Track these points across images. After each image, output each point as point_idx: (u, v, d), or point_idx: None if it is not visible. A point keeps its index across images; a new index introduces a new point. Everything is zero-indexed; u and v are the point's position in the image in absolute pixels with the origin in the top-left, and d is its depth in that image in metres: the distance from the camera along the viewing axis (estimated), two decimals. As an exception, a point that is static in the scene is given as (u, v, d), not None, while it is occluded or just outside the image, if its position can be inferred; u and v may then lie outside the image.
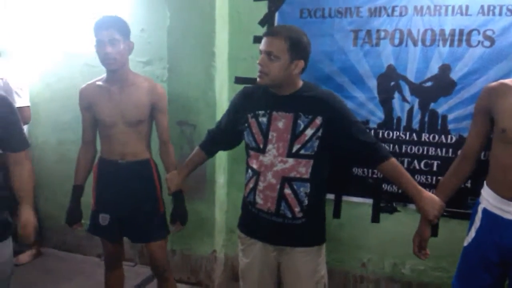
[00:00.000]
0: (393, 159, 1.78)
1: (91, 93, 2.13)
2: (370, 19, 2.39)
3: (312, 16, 2.52)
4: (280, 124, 1.73)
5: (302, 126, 1.71)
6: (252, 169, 1.81)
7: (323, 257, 1.88)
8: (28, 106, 3.03)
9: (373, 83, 2.45)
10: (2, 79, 2.91)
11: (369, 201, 2.56)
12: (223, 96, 2.75)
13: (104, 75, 2.13)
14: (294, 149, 1.72)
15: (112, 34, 1.98)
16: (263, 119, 1.77)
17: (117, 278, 2.34)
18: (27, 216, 1.85)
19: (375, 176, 2.51)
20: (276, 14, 2.60)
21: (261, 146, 1.76)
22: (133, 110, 2.09)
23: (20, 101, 2.92)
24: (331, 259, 2.66)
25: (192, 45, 2.66)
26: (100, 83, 2.13)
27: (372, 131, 2.48)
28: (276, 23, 2.59)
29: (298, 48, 1.69)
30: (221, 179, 2.83)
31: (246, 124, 1.82)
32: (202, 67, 2.67)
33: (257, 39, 2.62)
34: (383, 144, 2.38)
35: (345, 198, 2.62)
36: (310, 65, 2.53)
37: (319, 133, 1.71)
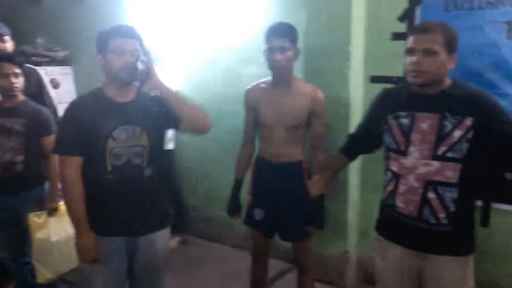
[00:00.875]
0: None
1: (256, 95, 2.28)
2: (528, 9, 2.16)
3: (459, 9, 2.38)
4: (424, 126, 1.67)
5: (450, 127, 1.62)
6: (392, 172, 1.77)
7: (470, 268, 1.76)
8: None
9: (531, 79, 2.21)
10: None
11: (524, 209, 2.32)
12: (357, 96, 2.73)
13: (269, 77, 2.26)
14: (440, 152, 1.64)
15: (283, 42, 2.10)
16: (405, 120, 1.71)
17: (262, 271, 2.49)
18: None
19: (531, 182, 2.25)
20: (417, 8, 2.49)
21: (402, 148, 1.72)
22: (293, 114, 2.19)
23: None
24: (477, 270, 2.45)
25: (326, 45, 2.69)
26: (264, 85, 2.28)
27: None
28: (417, 18, 2.48)
29: (454, 42, 1.64)
30: (354, 179, 2.82)
31: (386, 126, 1.79)
32: (336, 67, 2.69)
33: (397, 36, 2.56)
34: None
35: (495, 205, 2.41)
36: (457, 61, 2.40)
37: (469, 135, 1.60)
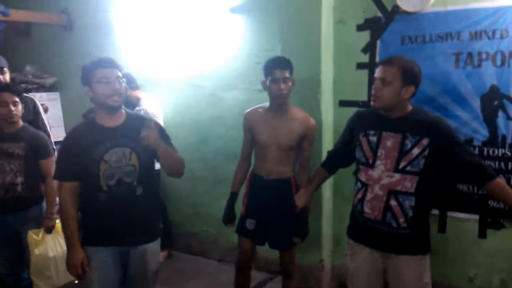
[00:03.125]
0: (499, 179, 1.90)
1: (254, 118, 2.53)
2: (471, 42, 2.49)
3: (413, 42, 2.69)
4: (389, 143, 1.95)
5: (410, 145, 1.91)
6: (361, 182, 2.05)
7: (427, 266, 2.03)
8: (163, 130, 3.59)
9: (476, 103, 2.53)
10: (142, 109, 3.52)
11: (475, 217, 2.61)
12: (329, 118, 3.02)
13: (266, 103, 2.51)
14: (401, 166, 1.92)
15: (285, 73, 2.37)
16: (373, 138, 2.00)
17: (245, 280, 2.70)
18: None
19: (480, 192, 2.56)
20: (378, 42, 2.81)
21: (370, 161, 2.00)
22: (286, 137, 2.44)
23: (157, 126, 3.49)
24: (436, 273, 2.72)
25: (300, 73, 2.95)
26: (262, 110, 2.53)
27: (477, 149, 2.55)
28: (378, 50, 2.80)
29: (409, 76, 1.90)
30: (328, 192, 3.08)
31: (357, 142, 2.07)
32: (309, 93, 2.96)
33: (361, 66, 2.87)
34: (488, 162, 2.47)
35: (450, 213, 2.70)
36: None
37: (426, 153, 1.89)
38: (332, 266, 3.18)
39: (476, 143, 2.56)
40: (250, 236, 2.58)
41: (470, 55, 2.51)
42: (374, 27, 2.79)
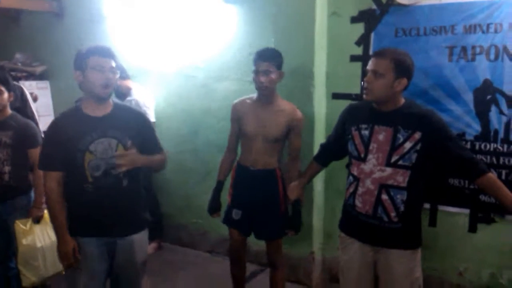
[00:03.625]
0: (490, 174, 1.89)
1: (241, 108, 2.53)
2: (465, 36, 2.48)
3: (407, 35, 2.67)
4: (381, 137, 1.94)
5: (402, 139, 1.89)
6: (353, 176, 2.04)
7: (418, 261, 2.02)
8: (154, 122, 3.56)
9: (469, 97, 2.53)
10: (133, 99, 3.48)
11: (466, 211, 2.62)
12: (321, 111, 3.00)
13: (255, 94, 2.51)
14: (393, 160, 1.91)
15: (268, 66, 2.35)
16: (365, 132, 1.98)
17: (240, 269, 2.71)
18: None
19: (471, 186, 2.56)
20: (372, 34, 2.79)
21: (362, 155, 1.98)
22: (273, 129, 2.44)
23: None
24: (426, 267, 2.73)
25: (293, 65, 2.95)
26: (250, 101, 2.53)
27: (469, 143, 2.55)
28: (372, 43, 2.79)
29: (402, 68, 1.89)
30: (319, 186, 3.07)
31: (350, 136, 2.06)
32: (302, 85, 2.94)
33: (354, 58, 2.85)
34: (480, 156, 2.47)
35: (441, 207, 2.70)
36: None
37: (418, 147, 1.88)
38: (323, 259, 3.18)
39: (468, 137, 2.56)
40: (236, 227, 2.59)
41: (464, 49, 2.50)
42: (368, 19, 2.77)
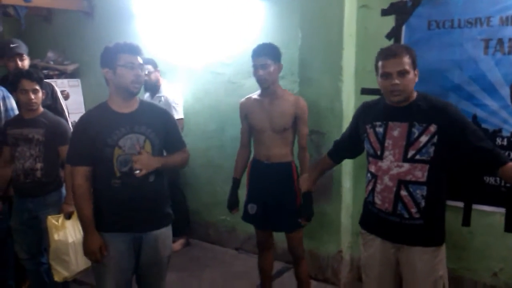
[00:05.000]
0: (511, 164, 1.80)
1: (248, 105, 2.61)
2: (502, 28, 2.37)
3: (440, 27, 2.58)
4: (396, 133, 1.90)
5: (417, 133, 1.85)
6: (371, 173, 2.00)
7: (441, 258, 1.95)
8: (182, 118, 3.59)
9: (505, 92, 2.42)
10: (163, 96, 3.51)
11: (502, 210, 2.52)
12: (350, 107, 2.94)
13: (259, 90, 2.57)
14: (409, 155, 1.86)
15: (264, 60, 2.42)
16: (380, 129, 1.95)
17: (267, 260, 2.75)
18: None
19: (508, 185, 2.46)
20: (403, 27, 2.71)
21: (378, 152, 1.95)
22: (279, 119, 2.49)
23: (176, 114, 3.48)
24: (459, 267, 2.67)
25: (321, 60, 2.91)
26: (255, 96, 2.60)
27: (505, 140, 2.45)
28: (403, 36, 2.70)
29: (415, 59, 1.88)
30: (347, 183, 3.02)
31: (365, 134, 2.02)
32: (330, 81, 2.90)
33: (384, 52, 2.77)
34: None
35: (475, 206, 2.61)
36: (438, 75, 2.60)
37: (434, 140, 1.83)
38: (351, 257, 3.13)
39: (505, 133, 2.46)
40: (252, 221, 2.64)
41: (500, 41, 2.40)
42: (400, 11, 2.69)
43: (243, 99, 2.67)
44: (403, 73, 1.83)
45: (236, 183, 2.72)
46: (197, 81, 3.74)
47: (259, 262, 2.77)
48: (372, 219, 2.05)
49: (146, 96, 3.62)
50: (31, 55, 3.38)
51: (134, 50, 1.98)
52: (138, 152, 1.99)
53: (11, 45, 3.06)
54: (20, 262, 2.84)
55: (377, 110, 2.01)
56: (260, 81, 2.47)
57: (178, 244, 3.73)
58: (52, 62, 4.39)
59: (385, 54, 1.89)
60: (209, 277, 3.33)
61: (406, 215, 1.90)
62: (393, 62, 1.85)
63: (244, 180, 2.71)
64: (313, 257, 3.14)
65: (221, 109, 3.61)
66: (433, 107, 1.87)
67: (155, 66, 3.59)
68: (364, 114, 2.08)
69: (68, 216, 2.69)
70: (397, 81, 1.83)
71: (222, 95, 3.58)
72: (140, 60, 1.99)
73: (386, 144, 1.93)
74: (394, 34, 2.74)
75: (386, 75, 1.87)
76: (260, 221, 2.61)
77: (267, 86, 2.48)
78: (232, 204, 2.73)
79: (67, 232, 2.66)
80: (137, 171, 1.95)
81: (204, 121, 3.74)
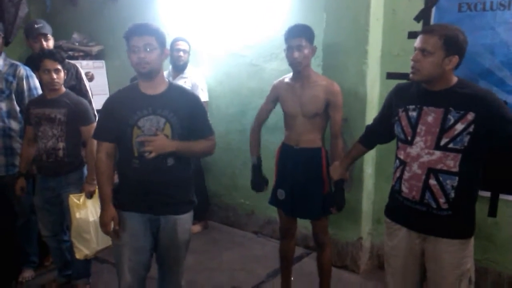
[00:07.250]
0: None
1: (280, 88, 2.53)
2: (538, 10, 2.25)
3: (472, 10, 2.48)
4: (430, 119, 1.81)
5: (452, 120, 1.75)
6: (400, 160, 1.92)
7: (469, 251, 1.88)
8: (207, 101, 3.58)
9: (540, 78, 2.31)
10: (188, 78, 3.53)
11: (531, 201, 2.43)
12: (374, 92, 2.87)
13: (291, 73, 2.49)
14: (442, 143, 1.77)
15: (300, 41, 2.33)
16: (413, 113, 1.86)
17: (289, 247, 2.70)
18: None
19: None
20: (433, 9, 2.60)
21: (409, 138, 1.86)
22: (311, 104, 2.41)
23: (202, 97, 3.46)
24: (483, 258, 2.59)
25: (346, 44, 2.83)
26: (287, 80, 2.52)
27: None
28: (432, 19, 2.60)
29: (453, 45, 1.74)
30: (369, 169, 2.96)
31: (396, 118, 1.94)
32: (354, 64, 2.83)
33: (412, 35, 2.68)
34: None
35: (502, 196, 2.52)
36: (469, 59, 2.48)
37: (471, 129, 1.73)
38: (371, 245, 3.08)
39: (537, 122, 2.34)
40: (281, 207, 2.58)
41: (536, 24, 2.28)
42: (430, -7, 2.59)
43: (276, 81, 2.59)
44: (424, 52, 1.75)
45: (258, 162, 2.64)
46: (218, 64, 3.71)
47: (280, 248, 2.71)
48: (397, 208, 1.98)
49: (167, 72, 3.58)
50: (56, 37, 3.41)
51: (141, 30, 1.95)
52: (154, 134, 1.98)
53: (36, 26, 3.08)
54: (43, 240, 2.91)
55: (411, 93, 1.91)
56: (294, 64, 2.37)
57: (198, 226, 3.75)
58: (77, 44, 4.43)
59: (422, 29, 1.83)
60: (228, 260, 3.33)
61: (434, 205, 1.83)
62: (421, 38, 1.78)
63: (269, 163, 2.67)
64: (332, 243, 3.09)
65: (242, 93, 3.58)
66: (473, 95, 1.76)
67: (179, 38, 3.56)
68: (397, 97, 1.99)
69: (90, 195, 2.72)
70: (415, 57, 1.78)
71: (244, 78, 3.55)
72: (146, 40, 1.94)
73: (418, 130, 1.84)
74: (423, 16, 2.64)
75: (414, 49, 1.81)
76: (288, 207, 2.55)
77: (300, 70, 2.39)
78: (257, 185, 2.66)
79: (88, 210, 2.70)
80: (147, 153, 1.96)
81: (225, 104, 3.71)
